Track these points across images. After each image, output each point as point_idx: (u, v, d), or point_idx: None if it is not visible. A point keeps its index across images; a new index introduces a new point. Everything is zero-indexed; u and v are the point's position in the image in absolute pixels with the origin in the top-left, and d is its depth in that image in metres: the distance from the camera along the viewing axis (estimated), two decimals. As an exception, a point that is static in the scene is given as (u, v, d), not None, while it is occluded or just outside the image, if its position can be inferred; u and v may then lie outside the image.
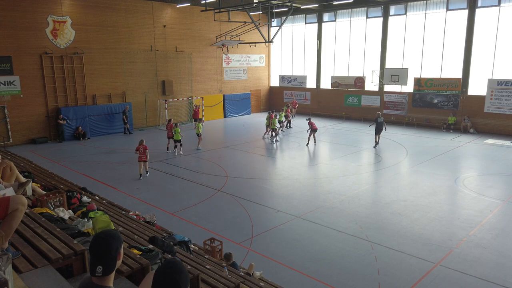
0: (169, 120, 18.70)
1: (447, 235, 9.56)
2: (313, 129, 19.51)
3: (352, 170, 15.37)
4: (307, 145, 19.59)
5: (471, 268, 8.02)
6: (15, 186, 5.25)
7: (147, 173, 14.60)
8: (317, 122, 21.20)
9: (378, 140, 19.26)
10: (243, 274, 6.25)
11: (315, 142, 19.81)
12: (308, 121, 19.87)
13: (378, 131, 18.98)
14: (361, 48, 27.22)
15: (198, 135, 19.17)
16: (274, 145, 20.34)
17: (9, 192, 4.67)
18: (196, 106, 25.94)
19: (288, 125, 24.78)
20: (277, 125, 21.30)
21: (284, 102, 31.03)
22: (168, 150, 18.43)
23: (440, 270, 7.96)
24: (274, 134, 20.81)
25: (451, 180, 13.85)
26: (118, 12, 22.96)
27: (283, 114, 23.76)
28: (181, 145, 18.05)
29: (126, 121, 23.01)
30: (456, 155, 17.71)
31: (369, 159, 17.36)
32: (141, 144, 14.21)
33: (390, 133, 22.24)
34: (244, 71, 31.14)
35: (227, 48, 28.70)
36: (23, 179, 6.25)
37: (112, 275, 2.49)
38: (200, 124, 19.38)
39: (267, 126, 21.36)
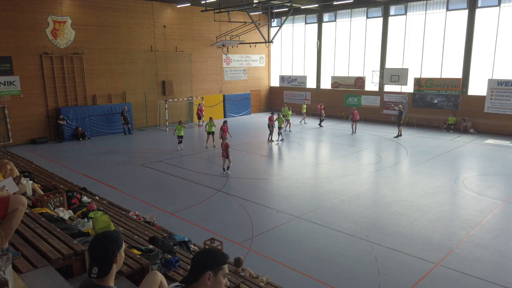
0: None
1: (447, 235, 9.55)
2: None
3: (352, 170, 15.36)
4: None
5: (471, 268, 8.01)
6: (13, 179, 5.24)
7: (226, 169, 14.85)
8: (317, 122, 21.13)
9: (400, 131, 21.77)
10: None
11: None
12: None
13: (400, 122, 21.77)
14: (361, 48, 27.21)
15: (212, 133, 19.31)
16: (277, 143, 20.52)
17: (8, 182, 4.67)
18: (200, 104, 26.46)
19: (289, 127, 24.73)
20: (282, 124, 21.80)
21: (284, 102, 31.06)
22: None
23: (440, 270, 7.95)
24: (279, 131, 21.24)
25: (451, 180, 13.84)
26: (118, 12, 22.96)
27: (290, 113, 24.20)
28: (181, 141, 18.85)
29: (124, 121, 22.83)
30: (456, 155, 17.70)
31: (369, 159, 17.36)
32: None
33: (390, 133, 22.25)
34: (244, 71, 31.13)
35: (227, 48, 28.69)
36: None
37: (112, 275, 2.49)
38: (211, 123, 19.55)
39: (287, 121, 23.51)
